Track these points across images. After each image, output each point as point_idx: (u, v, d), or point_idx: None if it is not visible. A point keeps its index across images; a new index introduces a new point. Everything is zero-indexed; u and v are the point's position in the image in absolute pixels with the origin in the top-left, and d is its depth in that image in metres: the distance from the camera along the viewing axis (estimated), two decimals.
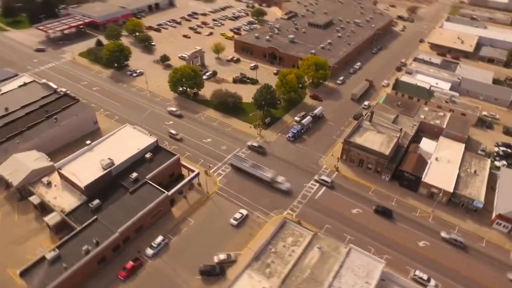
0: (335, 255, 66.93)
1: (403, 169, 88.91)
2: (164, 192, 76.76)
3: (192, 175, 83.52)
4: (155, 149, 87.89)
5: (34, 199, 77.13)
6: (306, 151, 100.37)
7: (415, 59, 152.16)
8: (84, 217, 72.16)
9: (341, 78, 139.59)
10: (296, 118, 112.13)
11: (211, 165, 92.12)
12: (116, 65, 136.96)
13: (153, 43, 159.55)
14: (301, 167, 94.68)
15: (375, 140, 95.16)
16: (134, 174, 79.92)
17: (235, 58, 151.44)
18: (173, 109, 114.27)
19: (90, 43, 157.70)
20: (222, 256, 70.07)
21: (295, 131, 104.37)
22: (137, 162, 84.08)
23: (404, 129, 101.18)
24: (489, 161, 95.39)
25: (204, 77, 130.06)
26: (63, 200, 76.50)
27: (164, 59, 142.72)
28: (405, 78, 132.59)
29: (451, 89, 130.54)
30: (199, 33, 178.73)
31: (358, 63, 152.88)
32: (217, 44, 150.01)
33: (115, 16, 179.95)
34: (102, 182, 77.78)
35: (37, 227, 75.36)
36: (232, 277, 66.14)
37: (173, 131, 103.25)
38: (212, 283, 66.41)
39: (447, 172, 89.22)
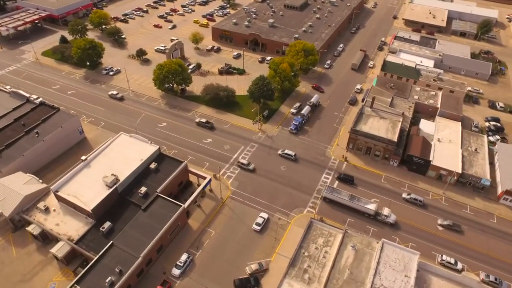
0: (369, 252, 66.42)
1: (411, 153, 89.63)
2: (180, 205, 71.51)
3: (204, 182, 78.50)
4: (159, 157, 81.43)
5: (33, 229, 68.72)
6: (311, 143, 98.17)
7: (396, 37, 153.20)
8: (96, 244, 65.60)
9: (328, 62, 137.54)
10: (293, 110, 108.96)
11: (219, 168, 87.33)
12: (88, 63, 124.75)
13: (123, 36, 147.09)
14: (310, 160, 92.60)
15: (380, 127, 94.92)
16: (143, 189, 73.55)
17: (215, 48, 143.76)
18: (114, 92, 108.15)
19: (52, 40, 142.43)
20: (254, 266, 67.13)
21: (297, 123, 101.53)
22: (143, 174, 77.46)
23: (401, 111, 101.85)
24: (485, 137, 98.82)
25: (188, 70, 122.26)
26: (68, 227, 68.95)
27: (141, 53, 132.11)
28: (391, 58, 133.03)
29: (434, 66, 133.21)
30: (170, 21, 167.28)
31: (341, 45, 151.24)
32: (196, 34, 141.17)
33: (75, 7, 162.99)
34: (108, 201, 70.88)
35: (41, 260, 67.59)
36: (268, 287, 63.91)
37: (244, 161, 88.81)
38: None
39: (451, 153, 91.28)
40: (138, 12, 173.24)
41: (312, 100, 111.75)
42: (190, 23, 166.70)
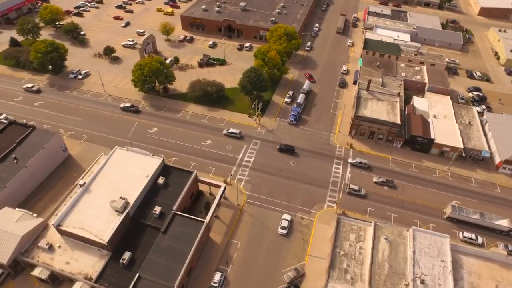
0: (402, 241, 66.51)
1: (415, 134, 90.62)
2: (202, 221, 66.34)
3: (220, 191, 73.41)
4: (165, 170, 74.63)
5: (41, 273, 60.27)
6: (312, 133, 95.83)
7: (368, 13, 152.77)
8: (120, 278, 59.19)
9: (308, 44, 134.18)
10: (287, 99, 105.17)
11: (231, 173, 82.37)
12: (51, 68, 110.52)
13: (82, 33, 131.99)
14: (316, 151, 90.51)
15: (381, 110, 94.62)
16: (157, 208, 66.99)
17: (188, 38, 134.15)
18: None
19: None
20: (292, 274, 64.73)
21: (295, 114, 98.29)
22: (152, 192, 70.54)
23: (397, 91, 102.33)
24: (474, 109, 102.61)
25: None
26: (81, 263, 61.40)
27: (109, 51, 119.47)
28: (370, 35, 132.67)
29: (411, 40, 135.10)
30: (130, 11, 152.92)
31: (316, 25, 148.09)
32: (166, 24, 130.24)
33: (17, 2, 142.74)
34: (122, 228, 63.93)
35: None
36: None
37: (354, 187, 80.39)
38: None
39: (449, 128, 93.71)
40: (92, 4, 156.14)
41: (305, 87, 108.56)
42: (152, 12, 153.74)
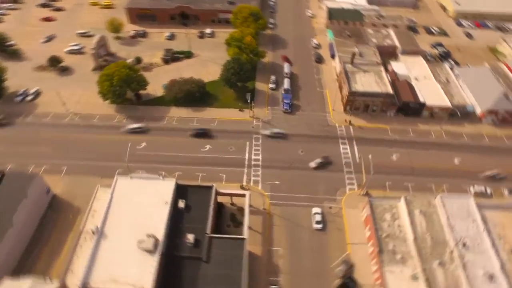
0: (433, 210, 68.65)
1: (406, 100, 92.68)
2: (243, 238, 61.64)
3: (246, 199, 68.11)
4: (181, 190, 67.20)
5: None
6: (308, 116, 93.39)
7: None
8: None
9: (271, 21, 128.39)
10: (271, 85, 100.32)
11: (246, 176, 77.31)
12: None
13: (11, 43, 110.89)
14: (318, 134, 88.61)
15: (370, 81, 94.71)
16: (190, 236, 60.48)
17: (140, 32, 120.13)
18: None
19: None
20: (342, 267, 63.73)
21: (288, 101, 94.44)
22: (176, 219, 63.30)
23: (376, 60, 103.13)
24: (446, 65, 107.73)
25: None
26: None
27: (55, 61, 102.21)
28: (329, 4, 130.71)
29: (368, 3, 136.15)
30: (60, 9, 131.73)
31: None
32: (113, 20, 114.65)
33: None
34: (160, 269, 56.91)
35: None
36: (364, 281, 62.36)
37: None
38: None
39: (432, 89, 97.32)
40: (10, 5, 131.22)
41: (286, 70, 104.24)
42: (87, 7, 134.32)
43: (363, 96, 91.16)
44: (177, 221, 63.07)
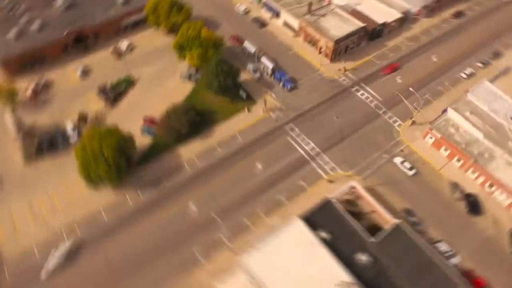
0: (474, 105, 78.63)
1: (371, 27, 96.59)
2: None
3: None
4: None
5: None
6: (308, 83, 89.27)
7: None
8: None
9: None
10: (252, 73, 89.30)
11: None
12: None
13: None
14: (331, 95, 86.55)
15: (339, 24, 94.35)
16: None
17: (40, 83, 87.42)
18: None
19: None
20: (456, 190, 69.61)
21: (287, 79, 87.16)
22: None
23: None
24: None
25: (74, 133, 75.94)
26: None
27: None
28: None
29: None
30: None
31: None
32: (6, 88, 79.68)
33: None
34: None
35: None
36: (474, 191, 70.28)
37: None
38: None
39: (379, 9, 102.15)
40: None
41: (251, 49, 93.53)
42: None
43: (345, 40, 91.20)
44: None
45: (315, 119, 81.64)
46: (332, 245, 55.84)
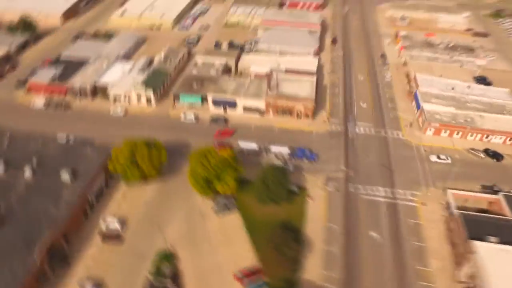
0: None
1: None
2: None
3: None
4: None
5: None
6: (320, 147, 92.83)
7: None
8: None
9: None
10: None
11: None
12: None
13: None
14: (344, 146, 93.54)
15: (297, 84, 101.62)
16: None
17: None
18: None
19: None
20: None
21: (309, 152, 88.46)
22: None
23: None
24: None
25: None
26: None
27: None
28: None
29: None
30: None
31: None
32: None
33: None
34: None
35: None
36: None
37: None
38: None
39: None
40: None
41: (255, 145, 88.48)
42: None
43: (285, 99, 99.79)
44: None
45: (360, 169, 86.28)
46: None
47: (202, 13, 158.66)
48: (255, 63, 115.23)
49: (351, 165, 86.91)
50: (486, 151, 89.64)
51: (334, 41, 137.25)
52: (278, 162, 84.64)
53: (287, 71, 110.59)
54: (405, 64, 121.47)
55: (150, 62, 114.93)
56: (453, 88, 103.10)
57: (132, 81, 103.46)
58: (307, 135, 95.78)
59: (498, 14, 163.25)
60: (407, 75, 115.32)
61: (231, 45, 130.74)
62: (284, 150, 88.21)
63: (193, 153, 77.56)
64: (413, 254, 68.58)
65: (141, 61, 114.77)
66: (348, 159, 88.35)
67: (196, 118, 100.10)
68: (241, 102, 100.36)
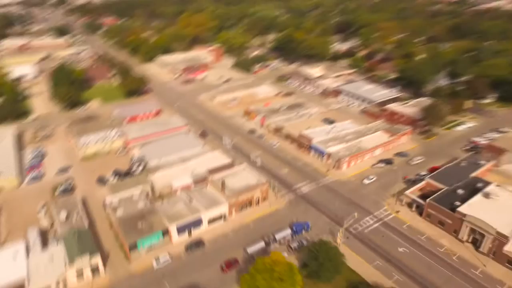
0: None
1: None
2: None
3: None
4: None
5: None
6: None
7: None
8: None
9: None
10: (292, 251, 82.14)
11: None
12: None
13: None
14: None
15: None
16: None
17: None
18: None
19: None
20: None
21: (305, 224, 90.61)
22: None
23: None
24: None
25: None
26: None
27: None
28: None
29: None
30: None
31: None
32: None
33: None
34: None
35: None
36: None
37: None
38: None
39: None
40: None
41: (261, 242, 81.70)
42: None
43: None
44: None
45: (339, 215, 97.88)
46: None
47: (38, 157, 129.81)
48: (172, 178, 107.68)
49: (333, 216, 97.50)
50: (382, 161, 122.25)
51: (203, 134, 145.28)
52: (283, 247, 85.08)
53: (211, 171, 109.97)
54: (277, 129, 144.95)
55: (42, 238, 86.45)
56: (328, 132, 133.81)
57: (54, 267, 75.20)
58: (277, 214, 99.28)
59: (282, 79, 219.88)
60: (287, 136, 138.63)
61: (117, 173, 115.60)
62: (287, 232, 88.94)
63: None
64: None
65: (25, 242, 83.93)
66: (329, 215, 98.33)
67: (170, 256, 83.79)
68: (206, 216, 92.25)
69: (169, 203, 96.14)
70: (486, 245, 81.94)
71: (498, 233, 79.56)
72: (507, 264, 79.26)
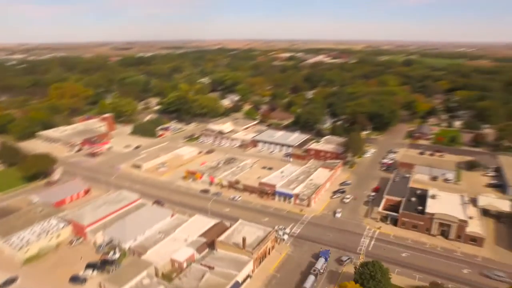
0: None
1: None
2: None
3: None
4: None
5: None
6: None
7: None
8: None
9: None
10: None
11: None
12: None
13: None
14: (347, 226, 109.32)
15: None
16: None
17: None
18: None
19: None
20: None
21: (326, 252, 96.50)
22: None
23: None
24: None
25: None
26: None
27: None
28: None
29: None
30: None
31: None
32: None
33: None
34: None
35: None
36: None
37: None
38: None
39: None
40: None
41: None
42: None
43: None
44: None
45: (342, 244, 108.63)
46: None
47: None
48: (169, 253, 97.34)
49: (336, 244, 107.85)
50: (337, 192, 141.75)
51: (158, 203, 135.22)
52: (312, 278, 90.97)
53: (205, 235, 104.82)
54: (231, 183, 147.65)
55: None
56: (282, 177, 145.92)
57: None
58: (291, 257, 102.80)
59: (192, 138, 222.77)
60: (245, 187, 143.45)
61: (92, 266, 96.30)
62: (322, 261, 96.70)
63: None
64: None
65: None
66: (332, 245, 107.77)
67: None
68: (240, 278, 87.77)
69: (187, 277, 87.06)
70: (452, 232, 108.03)
71: (460, 220, 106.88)
72: (470, 242, 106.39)
